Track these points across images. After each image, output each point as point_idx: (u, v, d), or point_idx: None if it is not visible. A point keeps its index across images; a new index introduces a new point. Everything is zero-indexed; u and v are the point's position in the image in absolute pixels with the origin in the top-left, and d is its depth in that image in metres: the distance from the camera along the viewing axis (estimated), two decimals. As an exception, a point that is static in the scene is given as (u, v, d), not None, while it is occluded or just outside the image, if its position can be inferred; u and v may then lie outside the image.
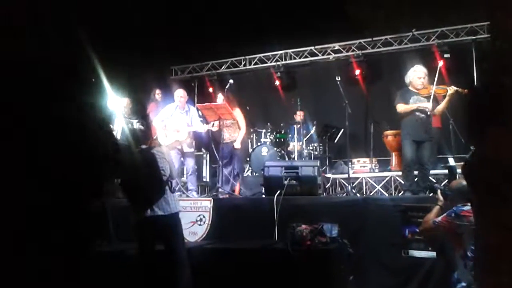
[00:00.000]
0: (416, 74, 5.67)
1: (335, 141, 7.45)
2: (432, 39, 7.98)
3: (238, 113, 6.56)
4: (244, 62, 9.49)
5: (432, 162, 6.32)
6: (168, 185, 4.00)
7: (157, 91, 7.49)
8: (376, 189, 6.89)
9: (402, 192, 5.86)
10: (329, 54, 8.93)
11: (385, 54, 8.54)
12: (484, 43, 7.71)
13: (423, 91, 5.62)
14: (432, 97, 5.54)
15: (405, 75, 5.77)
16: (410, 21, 8.07)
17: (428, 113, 5.49)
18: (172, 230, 3.99)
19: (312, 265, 3.90)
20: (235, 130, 6.60)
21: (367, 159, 7.40)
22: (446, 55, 7.55)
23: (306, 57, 9.08)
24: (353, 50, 8.59)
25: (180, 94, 6.53)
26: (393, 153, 7.01)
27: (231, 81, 6.83)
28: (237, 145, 6.47)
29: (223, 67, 9.62)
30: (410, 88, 5.69)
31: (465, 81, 6.93)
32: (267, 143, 7.44)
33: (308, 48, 8.99)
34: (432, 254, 4.00)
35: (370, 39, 8.52)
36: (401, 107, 5.61)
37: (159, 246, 3.98)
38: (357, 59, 8.37)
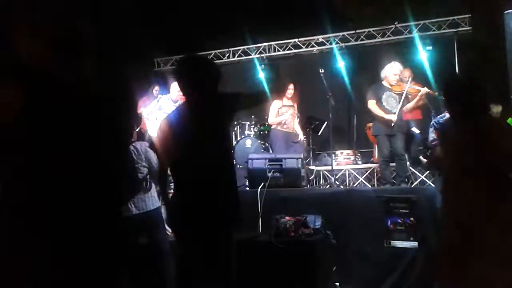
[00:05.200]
0: (392, 71, 5.84)
1: (319, 133, 7.47)
2: (415, 31, 8.04)
3: None
4: (228, 54, 9.44)
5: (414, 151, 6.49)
6: (144, 184, 3.94)
7: (156, 87, 7.46)
8: (359, 180, 6.95)
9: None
10: (312, 46, 8.93)
11: (368, 47, 8.58)
12: (466, 35, 7.80)
13: (396, 87, 5.83)
14: (404, 95, 5.75)
15: (381, 70, 5.92)
16: (393, 14, 8.12)
17: (392, 124, 5.67)
18: (151, 226, 3.98)
19: (295, 256, 3.91)
20: None
21: (350, 151, 7.45)
22: (428, 48, 7.62)
23: (289, 49, 9.07)
24: (337, 43, 8.61)
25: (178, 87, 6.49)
26: (375, 145, 7.08)
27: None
28: None
29: (206, 59, 9.55)
30: (384, 83, 5.87)
31: (446, 73, 7.01)
32: (251, 135, 7.43)
33: (292, 41, 8.98)
34: (414, 244, 4.05)
35: (353, 32, 8.54)
36: (371, 105, 5.80)
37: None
38: (341, 51, 8.39)
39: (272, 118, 6.75)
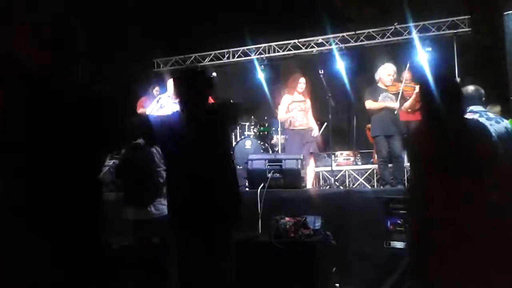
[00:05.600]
0: (386, 72, 5.91)
1: (319, 134, 7.47)
2: (414, 32, 8.05)
3: None
4: (228, 55, 9.44)
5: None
6: (165, 189, 3.93)
7: (157, 88, 7.49)
8: (359, 181, 6.95)
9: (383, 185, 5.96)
10: (312, 47, 8.94)
11: (368, 47, 8.59)
12: (465, 36, 7.81)
13: (392, 88, 5.89)
14: (400, 94, 5.80)
15: (375, 72, 5.98)
16: (392, 15, 8.13)
17: (395, 112, 5.66)
18: (165, 231, 3.98)
19: (295, 257, 3.92)
20: None
21: (350, 152, 7.46)
22: (427, 49, 7.64)
23: (289, 50, 9.08)
24: (336, 43, 8.62)
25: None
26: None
27: (214, 74, 6.80)
28: None
29: (206, 60, 9.56)
30: (379, 85, 5.93)
31: (446, 74, 7.03)
32: (251, 136, 7.43)
33: (292, 41, 8.99)
34: (414, 245, 4.04)
35: (353, 33, 8.55)
36: (370, 104, 5.85)
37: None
38: (340, 52, 8.40)
39: (281, 114, 6.52)
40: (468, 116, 3.76)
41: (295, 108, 6.41)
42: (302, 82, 6.43)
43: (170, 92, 6.46)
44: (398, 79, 6.07)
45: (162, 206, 3.91)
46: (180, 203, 2.97)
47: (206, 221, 2.84)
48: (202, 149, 2.90)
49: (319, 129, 7.37)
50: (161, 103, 6.39)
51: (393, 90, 5.87)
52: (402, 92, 5.88)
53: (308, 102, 6.51)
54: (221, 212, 2.89)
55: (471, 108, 3.82)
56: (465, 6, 7.63)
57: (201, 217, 2.85)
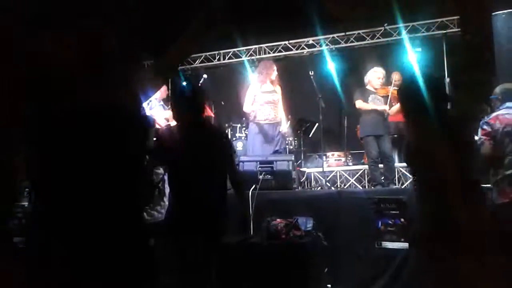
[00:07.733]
0: (376, 75, 6.00)
1: (310, 135, 7.48)
2: (404, 33, 8.08)
3: None
4: (218, 56, 9.43)
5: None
6: (157, 191, 3.92)
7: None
8: (350, 182, 6.96)
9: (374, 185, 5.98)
10: (302, 48, 8.95)
11: (358, 48, 8.62)
12: (455, 37, 7.86)
13: (381, 91, 5.99)
14: (389, 98, 5.94)
15: (365, 74, 6.05)
16: (382, 16, 8.16)
17: (385, 115, 5.72)
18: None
19: (287, 258, 3.92)
20: None
21: (341, 153, 7.47)
22: (417, 49, 7.68)
23: (280, 51, 9.08)
24: (327, 45, 8.64)
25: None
26: (366, 147, 7.11)
27: (204, 76, 6.80)
28: None
29: (196, 62, 9.54)
30: (368, 87, 5.97)
31: (435, 74, 7.07)
32: (242, 138, 7.42)
33: (282, 43, 8.99)
34: (405, 245, 4.07)
35: (343, 34, 8.58)
36: (360, 104, 5.90)
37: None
38: (331, 53, 8.42)
39: (247, 106, 6.14)
40: (504, 111, 3.79)
41: (262, 100, 6.07)
42: (276, 70, 6.12)
43: (157, 95, 6.45)
44: (387, 82, 6.13)
45: (156, 214, 3.88)
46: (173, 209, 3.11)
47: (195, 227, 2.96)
48: (196, 158, 2.99)
49: (310, 131, 7.37)
50: (150, 106, 6.39)
51: (382, 93, 5.96)
52: (390, 96, 5.94)
53: (278, 92, 6.13)
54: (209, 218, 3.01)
55: (508, 104, 3.82)
56: (454, 7, 7.67)
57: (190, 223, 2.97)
